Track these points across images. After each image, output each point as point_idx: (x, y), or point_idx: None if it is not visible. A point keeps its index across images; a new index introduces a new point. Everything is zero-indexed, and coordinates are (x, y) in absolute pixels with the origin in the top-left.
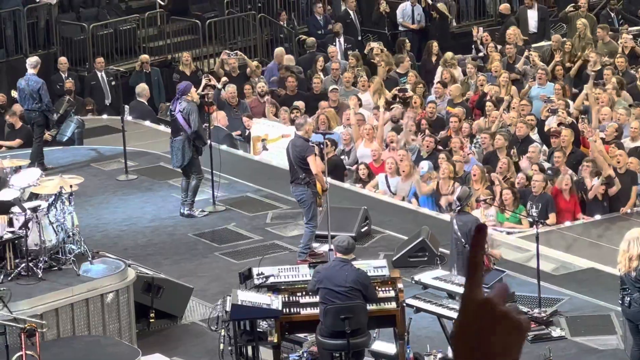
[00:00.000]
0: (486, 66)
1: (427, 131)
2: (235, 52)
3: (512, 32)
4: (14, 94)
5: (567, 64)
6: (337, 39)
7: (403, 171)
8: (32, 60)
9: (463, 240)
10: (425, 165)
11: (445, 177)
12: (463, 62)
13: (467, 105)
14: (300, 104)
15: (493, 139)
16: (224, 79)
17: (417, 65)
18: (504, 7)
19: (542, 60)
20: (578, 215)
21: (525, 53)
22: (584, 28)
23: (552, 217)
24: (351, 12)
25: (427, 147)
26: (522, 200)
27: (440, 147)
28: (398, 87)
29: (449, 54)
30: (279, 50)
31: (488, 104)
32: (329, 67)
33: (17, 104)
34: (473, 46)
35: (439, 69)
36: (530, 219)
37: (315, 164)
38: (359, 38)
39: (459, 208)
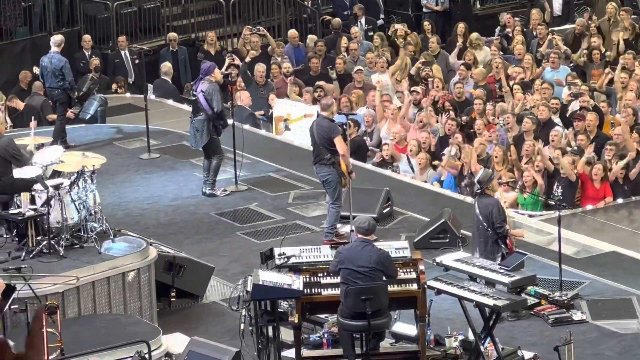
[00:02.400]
0: (509, 48)
1: (451, 113)
2: (257, 27)
3: (537, 14)
4: (36, 70)
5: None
6: (358, 20)
7: (419, 164)
8: (56, 39)
9: (485, 223)
10: (452, 150)
11: (469, 160)
12: (488, 44)
13: (490, 87)
14: (323, 84)
15: (520, 121)
16: (252, 52)
17: (442, 46)
18: None
19: (565, 44)
20: (607, 199)
21: (549, 36)
22: (614, 11)
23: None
24: None
25: (449, 130)
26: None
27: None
28: (422, 60)
29: (474, 35)
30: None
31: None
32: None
33: (38, 81)
34: (497, 29)
35: (454, 52)
36: (552, 202)
37: (342, 145)
38: (382, 16)
39: (479, 190)
